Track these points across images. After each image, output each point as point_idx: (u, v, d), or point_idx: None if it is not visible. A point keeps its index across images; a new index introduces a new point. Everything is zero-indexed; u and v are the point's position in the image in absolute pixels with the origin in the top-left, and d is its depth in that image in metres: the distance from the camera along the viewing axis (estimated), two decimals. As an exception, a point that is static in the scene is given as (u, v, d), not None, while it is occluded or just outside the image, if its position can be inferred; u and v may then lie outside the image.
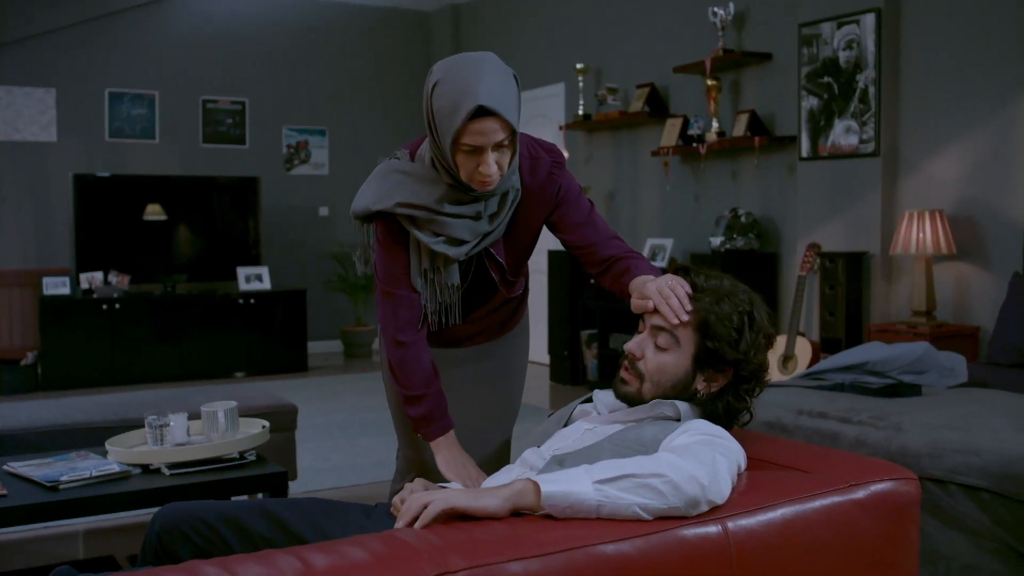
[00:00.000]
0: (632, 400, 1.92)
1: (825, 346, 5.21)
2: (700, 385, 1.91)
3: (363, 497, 4.24)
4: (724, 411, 1.91)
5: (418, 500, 1.53)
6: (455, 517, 1.53)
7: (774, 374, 5.28)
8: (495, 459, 2.51)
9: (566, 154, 7.55)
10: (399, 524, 1.52)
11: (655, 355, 1.90)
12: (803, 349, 5.22)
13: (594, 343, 6.89)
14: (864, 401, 3.18)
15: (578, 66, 7.17)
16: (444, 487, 2.06)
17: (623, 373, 1.94)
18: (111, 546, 3.53)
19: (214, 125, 8.63)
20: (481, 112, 1.99)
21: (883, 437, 2.80)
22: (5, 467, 2.73)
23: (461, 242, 2.23)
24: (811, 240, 5.44)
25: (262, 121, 8.81)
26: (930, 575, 2.59)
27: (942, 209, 4.78)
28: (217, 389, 4.07)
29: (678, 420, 1.87)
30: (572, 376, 7.06)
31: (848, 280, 5.13)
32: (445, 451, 2.29)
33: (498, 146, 2.05)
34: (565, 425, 2.05)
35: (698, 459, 1.57)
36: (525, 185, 2.28)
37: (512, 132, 2.05)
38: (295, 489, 4.23)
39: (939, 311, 4.88)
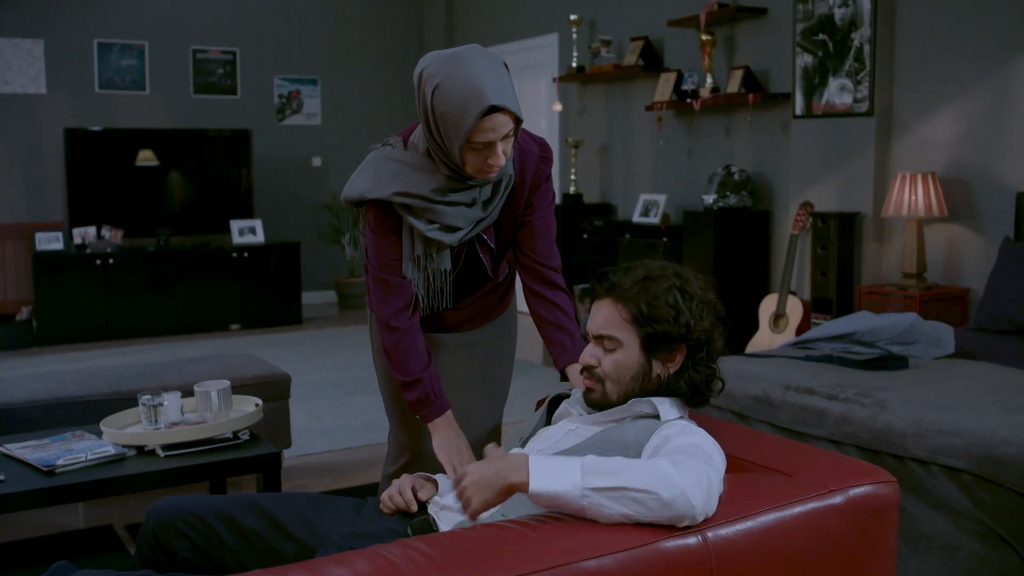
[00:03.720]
0: (602, 405, 1.95)
1: (816, 306, 5.24)
2: (659, 369, 1.92)
3: (356, 461, 4.31)
4: (688, 387, 1.93)
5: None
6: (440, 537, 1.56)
7: (764, 333, 5.32)
8: (486, 443, 2.54)
9: (558, 107, 7.50)
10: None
11: (607, 357, 1.93)
12: (794, 308, 5.24)
13: (587, 297, 6.91)
14: (851, 375, 3.21)
15: (572, 17, 7.09)
16: (432, 478, 2.10)
17: (586, 382, 1.97)
18: (110, 515, 3.58)
19: (205, 75, 8.55)
20: (491, 110, 2.04)
21: (868, 415, 2.83)
22: (1, 448, 2.77)
23: (456, 229, 2.26)
24: (804, 199, 5.44)
25: (253, 71, 8.72)
26: (911, 553, 2.64)
27: (935, 171, 4.77)
28: (210, 357, 4.10)
29: (657, 417, 1.89)
30: (565, 330, 7.08)
31: (840, 240, 5.14)
32: (442, 433, 2.33)
33: (507, 136, 2.12)
34: (549, 423, 2.09)
35: (696, 476, 1.58)
36: (515, 167, 2.31)
37: (518, 120, 2.12)
38: (289, 454, 4.28)
39: (930, 273, 4.90)
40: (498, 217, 2.35)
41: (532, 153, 2.35)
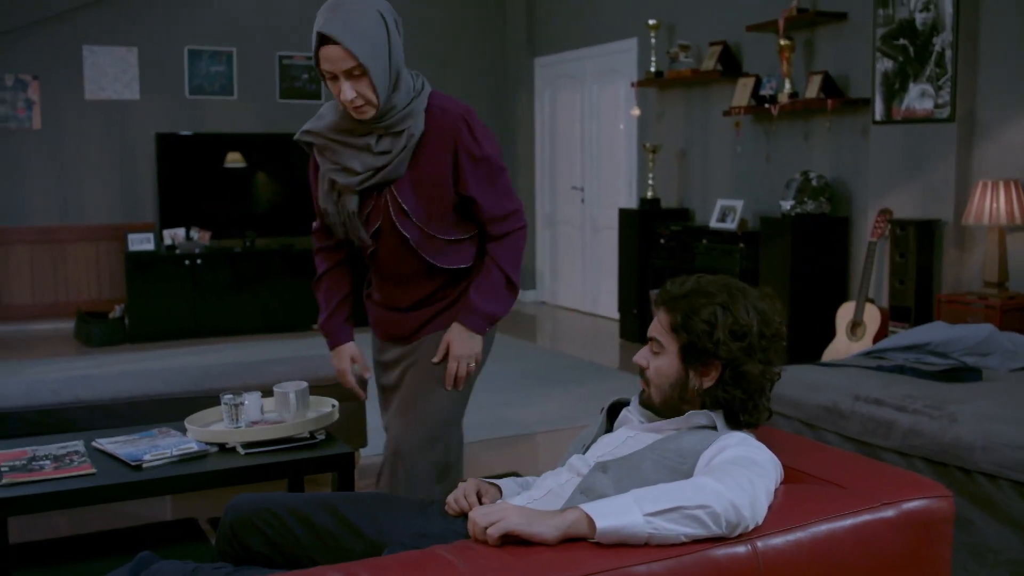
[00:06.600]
0: (648, 405, 2.04)
1: (894, 314, 5.18)
2: (695, 381, 1.97)
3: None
4: (713, 404, 1.95)
5: (480, 523, 1.62)
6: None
7: (841, 340, 5.27)
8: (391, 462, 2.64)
9: (636, 112, 7.52)
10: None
11: (653, 360, 2.01)
12: (872, 316, 5.19)
13: (663, 302, 6.93)
14: (922, 386, 3.19)
15: (651, 22, 7.10)
16: (494, 483, 2.16)
17: (640, 382, 2.06)
18: (194, 507, 3.74)
19: (291, 81, 8.76)
20: (325, 40, 2.22)
21: (937, 428, 2.82)
22: (94, 443, 2.92)
23: (353, 172, 2.45)
24: (883, 205, 5.38)
25: (337, 76, 8.91)
26: (979, 567, 2.63)
27: (1017, 179, 4.69)
28: (290, 358, 4.24)
29: (714, 428, 1.93)
30: (641, 334, 7.11)
31: (919, 248, 5.07)
32: (335, 360, 2.90)
33: (350, 74, 2.26)
34: (609, 431, 2.14)
35: (739, 485, 1.63)
36: (430, 127, 2.43)
37: (361, 62, 2.24)
38: (365, 453, 4.39)
39: (1012, 282, 4.80)
40: (411, 174, 2.46)
41: (452, 111, 2.45)
